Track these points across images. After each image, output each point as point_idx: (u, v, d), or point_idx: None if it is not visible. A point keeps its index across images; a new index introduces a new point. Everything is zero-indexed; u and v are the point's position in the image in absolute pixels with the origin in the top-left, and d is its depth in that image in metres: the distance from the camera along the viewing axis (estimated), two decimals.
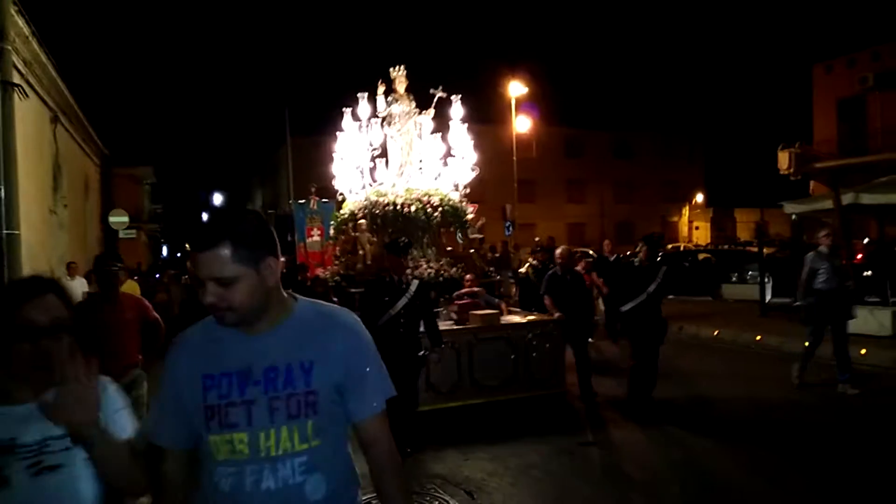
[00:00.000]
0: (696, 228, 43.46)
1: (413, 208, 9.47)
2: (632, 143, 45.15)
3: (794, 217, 17.03)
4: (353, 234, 9.57)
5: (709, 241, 37.24)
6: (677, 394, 8.13)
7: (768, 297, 14.99)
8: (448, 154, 9.96)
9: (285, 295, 1.81)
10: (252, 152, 53.78)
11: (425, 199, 9.58)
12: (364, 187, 9.96)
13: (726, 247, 29.41)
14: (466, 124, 9.91)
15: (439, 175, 10.07)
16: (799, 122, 31.49)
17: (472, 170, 9.87)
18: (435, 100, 9.88)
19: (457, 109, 9.82)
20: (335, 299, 8.86)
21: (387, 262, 6.53)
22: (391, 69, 9.99)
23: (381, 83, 9.91)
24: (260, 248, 1.69)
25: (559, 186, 42.97)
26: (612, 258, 11.37)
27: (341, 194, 10.26)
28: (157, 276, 18.16)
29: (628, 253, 14.40)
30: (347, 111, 10.13)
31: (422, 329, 6.48)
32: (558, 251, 8.52)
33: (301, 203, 11.90)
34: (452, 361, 7.36)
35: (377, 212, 9.54)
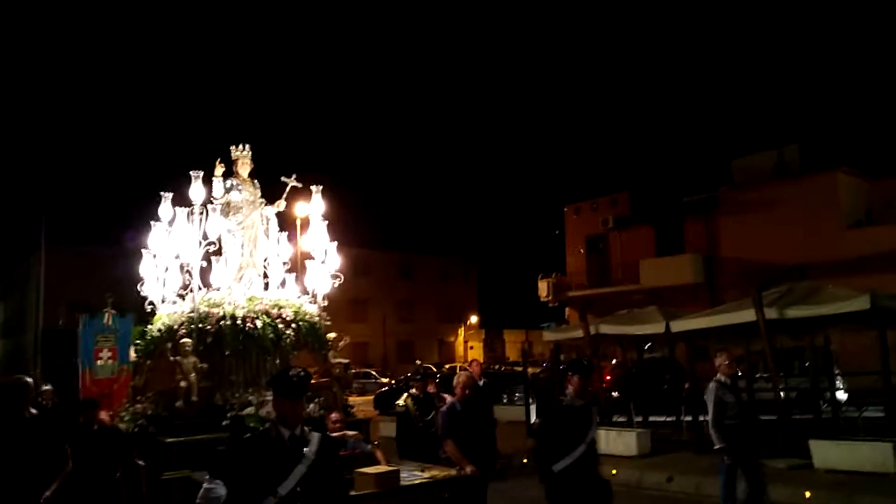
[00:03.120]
0: (471, 348, 43.71)
1: (259, 323, 6.87)
2: (414, 264, 44.96)
3: (552, 343, 17.97)
4: (171, 357, 6.61)
5: (482, 360, 37.46)
6: None
7: (532, 419, 14.45)
8: (304, 257, 7.60)
9: None
10: None
11: (274, 311, 7.05)
12: (185, 296, 7.15)
13: (497, 367, 29.35)
14: (326, 222, 7.65)
15: (283, 283, 7.64)
16: (556, 255, 33.58)
17: (334, 277, 7.57)
18: (287, 190, 7.60)
19: (317, 203, 7.59)
20: (140, 462, 5.82)
21: (275, 406, 3.94)
22: (233, 148, 7.59)
23: (220, 163, 7.44)
24: None
25: (341, 305, 40.80)
26: (481, 382, 9.35)
27: (150, 304, 7.29)
28: None
29: (408, 374, 12.64)
30: (167, 196, 7.43)
31: None
32: (460, 378, 6.46)
33: (90, 317, 8.51)
34: None
35: (208, 327, 6.76)
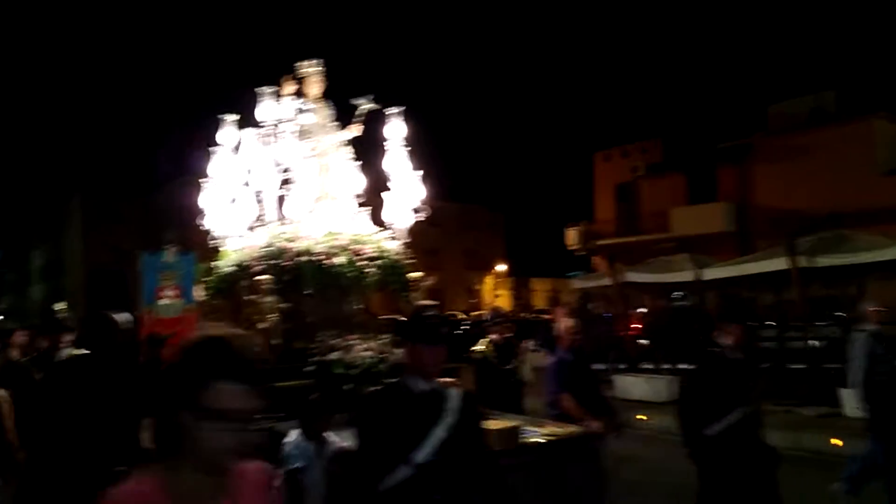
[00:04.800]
0: (498, 296, 43.01)
1: (338, 260, 5.98)
2: (441, 212, 43.90)
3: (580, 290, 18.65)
4: (245, 296, 5.75)
5: (510, 308, 36.80)
6: None
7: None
8: (379, 188, 6.65)
9: None
10: (29, 207, 43.87)
11: (354, 247, 6.15)
12: (255, 229, 6.25)
13: (524, 315, 28.69)
14: (409, 148, 6.66)
15: (359, 217, 6.72)
16: (584, 204, 32.54)
17: (418, 210, 6.63)
18: (360, 113, 6.60)
19: (397, 126, 6.59)
20: None
21: (408, 355, 3.04)
22: (300, 64, 6.56)
23: (286, 80, 6.42)
24: None
25: None
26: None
27: (216, 239, 6.39)
28: None
29: (484, 319, 11.77)
30: (228, 119, 6.45)
31: None
32: (567, 324, 5.60)
33: (151, 255, 7.60)
34: None
35: (285, 264, 5.87)
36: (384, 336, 6.00)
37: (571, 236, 30.32)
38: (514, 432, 4.66)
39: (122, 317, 3.90)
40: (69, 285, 34.82)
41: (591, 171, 31.85)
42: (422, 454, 2.80)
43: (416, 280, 6.51)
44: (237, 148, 6.34)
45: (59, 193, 37.01)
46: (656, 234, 25.99)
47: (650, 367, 13.34)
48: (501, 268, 44.26)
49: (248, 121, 6.27)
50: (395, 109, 6.55)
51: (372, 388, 3.70)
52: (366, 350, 5.73)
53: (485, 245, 44.38)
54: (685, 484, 4.42)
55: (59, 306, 6.26)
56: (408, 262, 6.54)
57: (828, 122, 23.61)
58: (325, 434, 4.17)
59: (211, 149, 6.35)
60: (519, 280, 43.20)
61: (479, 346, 6.73)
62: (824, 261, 10.65)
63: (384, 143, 6.60)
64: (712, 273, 14.04)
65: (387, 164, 6.51)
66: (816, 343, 12.30)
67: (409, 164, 6.57)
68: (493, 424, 4.62)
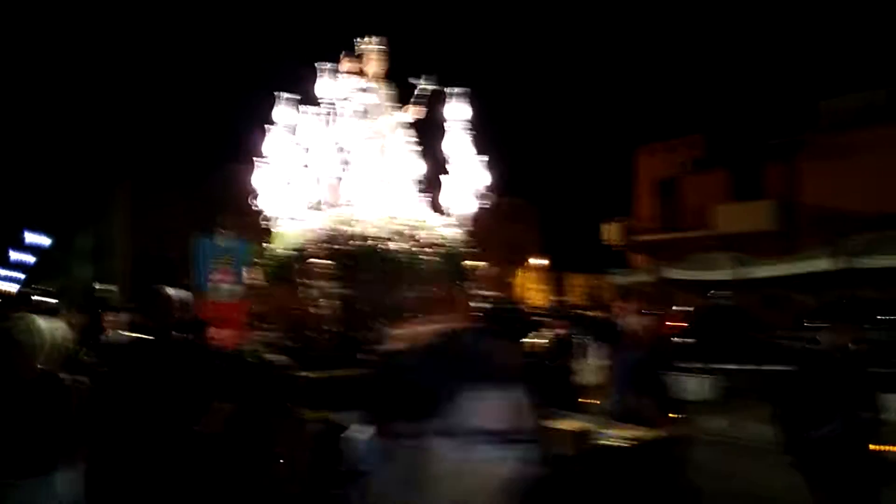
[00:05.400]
0: (533, 291, 42.44)
1: (394, 246, 5.67)
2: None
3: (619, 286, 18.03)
4: (300, 280, 5.46)
5: (546, 303, 36.31)
6: None
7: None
8: (439, 172, 6.30)
9: None
10: (77, 190, 44.60)
11: (411, 233, 5.83)
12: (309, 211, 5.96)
13: (582, 311, 28.20)
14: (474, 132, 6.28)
15: (416, 201, 6.38)
16: (623, 199, 31.76)
17: (479, 197, 6.26)
18: (420, 94, 6.26)
19: (459, 107, 6.23)
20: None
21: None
22: (360, 40, 6.24)
23: (345, 58, 6.11)
24: None
25: None
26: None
27: (270, 221, 6.13)
28: None
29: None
30: (284, 96, 6.17)
31: None
32: (644, 322, 5.20)
33: (205, 239, 7.43)
34: None
35: (342, 248, 5.57)
36: None
37: (610, 232, 29.70)
38: (585, 435, 4.32)
39: (180, 293, 3.65)
40: (116, 268, 35.35)
41: (631, 166, 31.12)
42: None
43: (475, 270, 6.17)
44: (293, 128, 6.06)
45: (108, 178, 37.46)
46: (698, 231, 25.26)
47: (694, 365, 12.87)
48: (537, 262, 43.65)
49: (306, 99, 5.97)
50: (457, 90, 6.20)
51: None
52: None
53: (521, 238, 43.79)
54: (751, 493, 4.01)
55: (102, 286, 6.05)
56: (468, 250, 6.20)
57: (883, 121, 22.60)
58: (397, 433, 3.85)
59: (267, 126, 6.08)
60: (554, 275, 42.50)
61: (533, 341, 6.36)
62: (873, 262, 10.16)
63: (445, 126, 6.25)
64: (753, 272, 13.74)
65: (447, 147, 6.16)
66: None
67: (472, 149, 6.21)
68: (563, 425, 4.28)
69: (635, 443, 4.29)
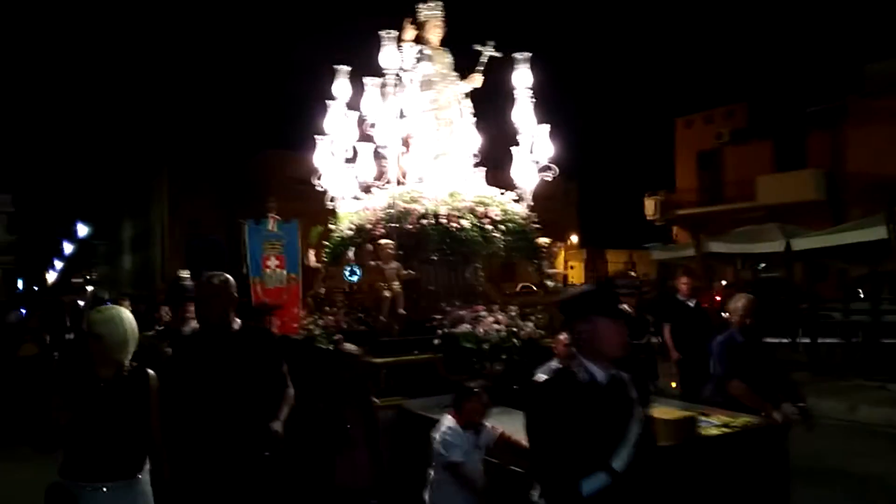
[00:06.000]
0: (572, 268, 41.84)
1: (464, 223, 5.34)
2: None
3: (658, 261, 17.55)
4: (367, 262, 5.17)
5: (583, 280, 35.68)
6: None
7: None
8: (498, 144, 5.94)
9: None
10: (121, 181, 45.13)
11: (480, 210, 5.49)
12: (371, 189, 5.66)
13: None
14: (535, 101, 5.89)
15: (475, 176, 6.02)
16: (663, 172, 30.87)
17: (545, 171, 5.90)
18: (482, 62, 5.88)
19: (523, 75, 5.84)
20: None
21: (590, 333, 2.35)
22: (420, 7, 5.86)
23: (408, 25, 5.74)
24: None
25: None
26: (693, 303, 7.79)
27: (332, 199, 5.84)
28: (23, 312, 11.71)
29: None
30: (343, 70, 5.84)
31: None
32: (741, 302, 4.82)
33: (255, 225, 7.19)
34: None
35: (409, 227, 5.27)
36: (512, 307, 5.35)
37: (650, 206, 28.90)
38: (690, 423, 3.97)
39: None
40: (157, 256, 35.68)
41: (671, 138, 30.22)
42: (620, 458, 2.19)
43: (545, 246, 5.83)
44: (349, 103, 5.74)
45: (149, 166, 37.68)
46: (741, 203, 24.49)
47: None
48: (574, 238, 42.93)
49: (364, 71, 5.63)
50: (520, 56, 5.80)
51: (541, 379, 3.08)
52: (495, 323, 5.11)
53: (558, 214, 43.12)
54: (867, 476, 3.65)
55: (184, 273, 5.80)
56: (534, 226, 5.86)
57: None
58: (481, 422, 3.59)
59: (327, 102, 5.77)
60: (592, 251, 41.76)
61: None
62: None
63: (508, 94, 5.87)
64: (803, 243, 13.21)
65: (514, 116, 5.78)
66: None
67: (535, 118, 5.83)
68: (663, 414, 3.94)
69: (730, 429, 3.96)
